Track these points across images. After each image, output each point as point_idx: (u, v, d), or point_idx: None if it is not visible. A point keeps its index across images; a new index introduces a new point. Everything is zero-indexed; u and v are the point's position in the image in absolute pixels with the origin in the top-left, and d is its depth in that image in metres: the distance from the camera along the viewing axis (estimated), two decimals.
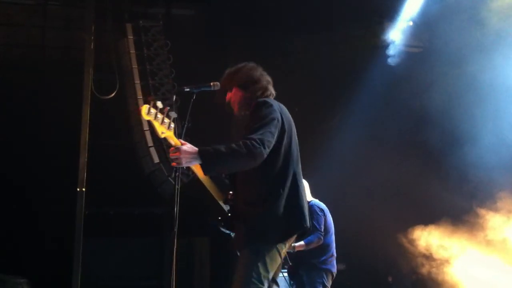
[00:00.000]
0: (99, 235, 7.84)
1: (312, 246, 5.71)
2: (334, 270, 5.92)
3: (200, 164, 3.11)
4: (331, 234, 6.00)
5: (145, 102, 3.15)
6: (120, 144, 7.99)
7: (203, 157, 3.08)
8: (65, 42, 8.68)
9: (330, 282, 5.88)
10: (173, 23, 8.84)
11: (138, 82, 7.38)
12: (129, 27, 7.63)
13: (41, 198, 7.63)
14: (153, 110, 3.06)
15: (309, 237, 5.67)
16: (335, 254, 5.98)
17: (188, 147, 3.11)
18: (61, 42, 8.68)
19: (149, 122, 3.12)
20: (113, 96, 7.43)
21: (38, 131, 7.85)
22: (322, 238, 5.79)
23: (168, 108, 3.18)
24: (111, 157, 7.92)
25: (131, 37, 7.58)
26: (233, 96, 3.57)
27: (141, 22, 7.70)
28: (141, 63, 7.50)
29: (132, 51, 7.52)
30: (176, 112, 3.25)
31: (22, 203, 7.62)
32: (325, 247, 5.86)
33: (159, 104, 3.11)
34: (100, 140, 7.67)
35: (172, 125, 3.18)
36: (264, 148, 3.09)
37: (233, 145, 3.07)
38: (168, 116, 3.15)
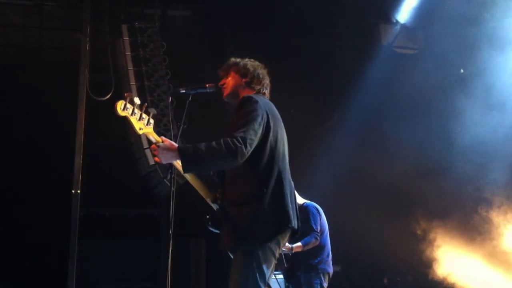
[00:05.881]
0: (95, 236, 7.83)
1: (309, 246, 5.70)
2: (331, 270, 5.92)
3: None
4: (326, 234, 6.00)
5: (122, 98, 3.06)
6: (116, 146, 7.97)
7: (182, 155, 3.04)
8: (61, 43, 8.68)
9: (327, 283, 5.88)
10: (169, 24, 8.85)
11: (134, 83, 7.37)
12: (125, 28, 7.62)
13: (36, 199, 7.61)
14: (129, 106, 3.00)
15: (306, 238, 5.68)
16: (331, 254, 5.98)
17: (167, 144, 3.07)
18: (57, 43, 8.68)
19: (125, 118, 3.05)
20: (108, 98, 7.41)
21: (33, 132, 7.83)
22: (319, 238, 5.80)
23: (147, 104, 3.15)
24: (107, 158, 7.91)
25: (127, 38, 7.57)
26: (229, 80, 3.53)
27: (137, 23, 7.69)
28: (137, 64, 7.49)
29: (128, 52, 7.51)
30: (172, 113, 3.22)
31: (17, 205, 7.59)
32: (321, 248, 5.86)
33: (137, 100, 3.06)
34: (95, 142, 7.66)
35: (152, 121, 3.14)
36: (246, 146, 3.04)
37: (214, 144, 3.02)
38: (146, 112, 3.10)
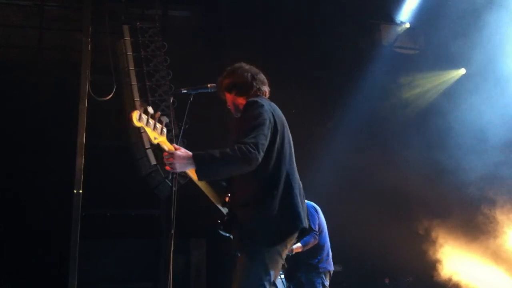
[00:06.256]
0: (96, 237, 7.83)
1: (309, 246, 5.72)
2: (331, 268, 5.94)
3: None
4: (325, 233, 6.01)
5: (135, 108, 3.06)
6: (117, 146, 7.98)
7: (197, 162, 3.04)
8: (62, 43, 8.68)
9: (328, 281, 5.90)
10: (170, 24, 8.85)
11: (135, 83, 7.37)
12: (126, 28, 7.62)
13: (37, 199, 7.61)
14: (144, 116, 3.01)
15: (305, 238, 5.69)
16: (330, 253, 5.99)
17: (182, 152, 3.07)
18: (58, 43, 8.69)
19: (141, 128, 3.06)
20: (110, 98, 7.41)
21: (35, 133, 7.84)
22: (318, 237, 5.81)
23: (160, 113, 3.15)
24: (108, 158, 7.91)
25: (128, 38, 7.57)
26: (227, 100, 3.56)
27: (138, 23, 7.69)
28: (138, 65, 7.49)
29: (129, 52, 7.51)
30: (173, 114, 3.22)
31: (18, 205, 7.59)
32: (320, 247, 5.88)
33: (150, 109, 3.05)
34: (97, 142, 7.67)
35: (165, 130, 3.14)
36: (259, 152, 3.04)
37: (228, 150, 3.02)
38: (160, 121, 3.11)
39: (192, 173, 3.13)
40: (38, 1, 8.38)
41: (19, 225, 7.51)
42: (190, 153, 3.08)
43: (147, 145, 7.00)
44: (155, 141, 3.11)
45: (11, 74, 8.24)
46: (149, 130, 3.06)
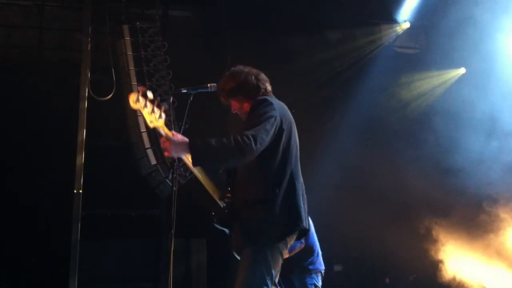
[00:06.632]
0: (96, 237, 7.83)
1: (296, 250, 5.68)
2: (323, 268, 5.92)
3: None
4: (312, 234, 5.96)
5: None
6: (117, 146, 7.98)
7: (193, 148, 3.06)
8: (62, 43, 8.68)
9: (321, 281, 5.88)
10: (170, 24, 8.85)
11: (135, 83, 7.37)
12: (126, 28, 7.62)
13: (38, 199, 7.61)
14: (142, 99, 3.01)
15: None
16: (320, 252, 5.97)
17: (178, 138, 3.09)
18: (58, 43, 8.69)
19: (138, 111, 3.09)
20: (110, 98, 7.42)
21: (35, 133, 7.83)
22: (304, 241, 5.77)
23: (159, 98, 3.15)
24: (108, 158, 7.91)
25: (128, 38, 7.57)
26: (232, 105, 3.57)
27: (138, 23, 7.69)
28: (138, 65, 7.49)
29: (129, 52, 7.51)
30: (173, 114, 3.22)
31: (19, 205, 7.59)
32: (309, 248, 5.85)
33: (149, 94, 3.05)
34: (97, 142, 7.67)
35: (163, 115, 3.14)
36: (256, 144, 3.04)
37: (224, 140, 3.04)
38: (158, 106, 3.11)
39: (188, 159, 3.15)
40: (38, 1, 8.37)
41: (19, 225, 7.51)
42: (187, 139, 3.10)
43: (147, 145, 7.00)
44: (151, 125, 3.12)
45: (11, 74, 8.24)
46: (145, 113, 3.07)
